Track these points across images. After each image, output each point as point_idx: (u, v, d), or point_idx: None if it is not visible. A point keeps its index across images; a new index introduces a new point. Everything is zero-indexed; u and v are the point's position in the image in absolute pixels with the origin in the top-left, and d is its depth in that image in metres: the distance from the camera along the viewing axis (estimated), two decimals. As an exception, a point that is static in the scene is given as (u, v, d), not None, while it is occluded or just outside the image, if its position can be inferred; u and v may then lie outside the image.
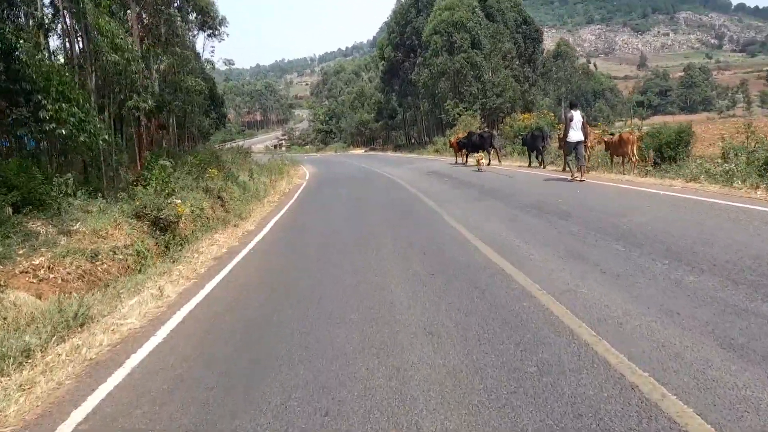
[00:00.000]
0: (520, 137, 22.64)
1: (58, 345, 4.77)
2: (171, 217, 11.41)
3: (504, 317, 4.18)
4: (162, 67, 22.21)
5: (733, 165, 12.72)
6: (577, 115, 12.98)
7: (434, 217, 9.54)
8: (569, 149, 13.24)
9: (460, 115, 40.85)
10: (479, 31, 46.72)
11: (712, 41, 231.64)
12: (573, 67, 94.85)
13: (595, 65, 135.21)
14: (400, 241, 7.70)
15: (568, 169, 14.15)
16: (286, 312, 4.96)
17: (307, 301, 5.22)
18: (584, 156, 13.13)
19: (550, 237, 6.88)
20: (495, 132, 33.42)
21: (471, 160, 21.60)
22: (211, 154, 22.44)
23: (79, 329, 5.20)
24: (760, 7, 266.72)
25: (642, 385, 2.94)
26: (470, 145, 22.14)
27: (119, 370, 4.04)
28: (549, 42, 75.43)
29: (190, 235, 11.40)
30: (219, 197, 15.97)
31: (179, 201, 12.37)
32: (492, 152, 21.18)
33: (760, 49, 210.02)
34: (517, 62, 53.58)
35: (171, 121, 24.65)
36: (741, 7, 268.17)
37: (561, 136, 14.38)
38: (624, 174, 13.89)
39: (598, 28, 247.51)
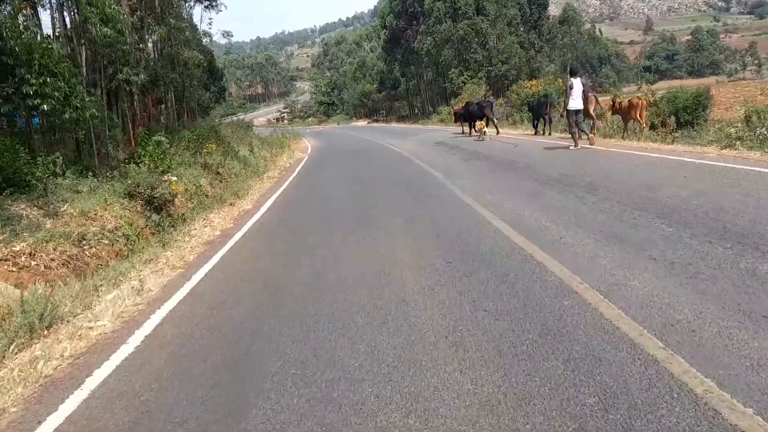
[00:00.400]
0: (527, 104, 21.92)
1: (17, 354, 4.08)
2: (166, 196, 10.73)
3: (543, 321, 3.42)
4: (154, 37, 21.19)
5: (765, 129, 11.91)
6: (577, 83, 12.42)
7: (446, 193, 8.71)
8: (572, 117, 12.61)
9: (464, 84, 39.78)
10: (483, -3, 45.17)
11: (720, 3, 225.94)
12: (579, 33, 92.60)
13: (600, 31, 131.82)
14: (411, 223, 6.92)
15: (577, 137, 13.29)
16: (280, 313, 4.22)
17: (305, 298, 4.47)
18: (584, 122, 12.72)
19: (581, 215, 6.08)
20: (502, 100, 32.67)
21: (485, 129, 20.69)
22: (209, 128, 21.60)
23: (46, 332, 4.49)
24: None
25: (749, 430, 2.18)
26: (468, 115, 21.44)
27: (76, 393, 3.33)
28: (553, 8, 73.14)
29: (187, 213, 10.74)
30: (218, 173, 15.24)
31: (175, 178, 11.68)
32: (489, 122, 20.39)
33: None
34: (523, 28, 51.96)
35: (169, 95, 23.80)
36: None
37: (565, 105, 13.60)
38: (639, 140, 13.06)
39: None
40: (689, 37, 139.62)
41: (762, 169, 7.31)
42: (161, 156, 12.32)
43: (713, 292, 3.54)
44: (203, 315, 4.45)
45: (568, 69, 15.09)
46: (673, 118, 15.10)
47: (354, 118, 79.65)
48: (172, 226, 9.72)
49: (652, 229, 5.12)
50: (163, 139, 13.03)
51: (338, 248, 6.05)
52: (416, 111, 61.25)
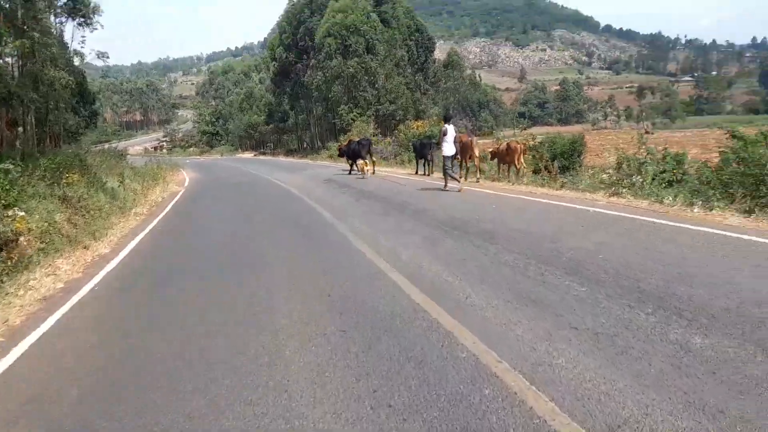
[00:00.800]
0: (411, 145, 22.37)
1: None
2: (8, 235, 8.99)
3: (464, 423, 2.70)
4: (7, 50, 18.80)
5: (640, 178, 12.51)
6: (450, 129, 12.79)
7: (338, 238, 7.90)
8: (447, 161, 12.89)
9: (354, 121, 39.87)
10: (374, 36, 45.96)
11: (584, 58, 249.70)
12: (462, 78, 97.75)
13: (479, 77, 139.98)
14: (297, 275, 6.01)
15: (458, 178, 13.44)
16: (118, 411, 3.15)
17: (154, 388, 3.43)
18: (452, 168, 13.07)
19: (484, 268, 5.56)
20: (390, 139, 32.99)
21: (367, 168, 20.42)
22: (74, 155, 19.33)
23: None
24: (624, 29, 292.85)
25: None
26: (350, 152, 21.62)
27: None
28: (438, 52, 76.45)
29: (34, 257, 9.03)
30: (77, 208, 13.38)
31: (22, 213, 9.93)
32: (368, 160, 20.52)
33: (624, 68, 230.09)
34: (410, 70, 53.48)
35: (29, 117, 21.23)
36: (608, 29, 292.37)
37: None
38: (527, 185, 13.26)
39: (483, 41, 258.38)
40: (558, 87, 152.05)
41: (655, 220, 7.31)
42: (7, 187, 10.50)
43: (652, 376, 3.03)
44: (11, 415, 3.27)
45: (443, 115, 15.45)
46: (556, 162, 15.64)
47: (239, 150, 77.31)
48: (7, 273, 8.06)
49: (563, 288, 4.67)
50: (10, 166, 11.19)
51: (207, 311, 5.00)
52: (305, 145, 60.50)
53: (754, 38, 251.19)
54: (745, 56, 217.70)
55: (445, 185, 12.94)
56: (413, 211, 9.97)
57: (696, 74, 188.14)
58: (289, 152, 60.03)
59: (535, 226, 7.64)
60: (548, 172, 15.23)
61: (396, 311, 4.42)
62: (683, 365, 3.11)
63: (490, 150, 16.84)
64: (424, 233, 7.75)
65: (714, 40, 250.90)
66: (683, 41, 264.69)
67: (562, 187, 11.79)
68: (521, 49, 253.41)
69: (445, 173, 13.03)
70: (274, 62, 57.90)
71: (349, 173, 20.86)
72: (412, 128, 30.76)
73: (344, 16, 45.26)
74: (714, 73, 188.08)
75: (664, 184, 12.20)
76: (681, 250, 5.65)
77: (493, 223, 8.06)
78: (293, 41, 53.97)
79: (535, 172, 16.16)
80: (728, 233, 6.17)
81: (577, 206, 9.05)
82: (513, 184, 13.73)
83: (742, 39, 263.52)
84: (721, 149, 12.90)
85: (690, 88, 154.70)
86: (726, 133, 13.60)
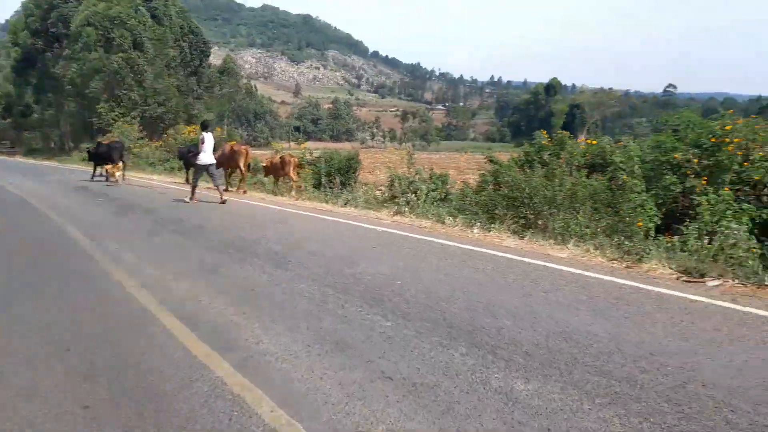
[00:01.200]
0: (178, 152, 20.90)
1: None
2: None
3: None
4: None
5: (414, 196, 13.06)
6: (209, 137, 12.31)
7: (90, 267, 6.27)
8: (200, 172, 12.58)
9: (115, 121, 35.76)
10: (142, 32, 42.02)
11: (354, 80, 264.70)
12: (238, 86, 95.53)
13: (255, 87, 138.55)
14: (22, 323, 4.40)
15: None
16: None
17: None
18: (217, 176, 12.85)
19: (276, 301, 4.80)
20: (159, 142, 30.33)
21: (118, 173, 18.03)
22: None
23: None
24: (390, 56, 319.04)
25: None
26: (97, 156, 19.31)
27: None
28: (213, 58, 73.10)
29: None
30: None
31: None
32: (121, 165, 18.61)
33: (388, 92, 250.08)
34: (183, 72, 50.18)
35: None
36: (375, 55, 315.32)
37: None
38: (310, 200, 12.92)
39: (259, 53, 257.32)
40: (330, 105, 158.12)
41: (442, 241, 7.32)
42: None
43: (487, 440, 2.63)
44: None
45: (200, 123, 14.80)
46: (339, 178, 15.68)
47: (-39, 147, 64.26)
48: None
49: (368, 325, 4.17)
50: None
51: None
52: (53, 145, 52.58)
53: (492, 77, 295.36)
54: (485, 91, 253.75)
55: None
56: (187, 229, 8.74)
57: (447, 104, 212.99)
58: (32, 152, 51.52)
59: (327, 247, 7.12)
60: (330, 188, 15.16)
61: (166, 371, 3.42)
62: (516, 422, 2.77)
63: (264, 164, 16.52)
64: (202, 257, 6.68)
65: (462, 75, 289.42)
66: (438, 73, 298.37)
67: (346, 204, 11.60)
68: (296, 64, 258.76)
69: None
70: (16, 48, 49.37)
71: (106, 180, 18.22)
72: (184, 133, 28.94)
73: (107, 6, 40.62)
74: (461, 104, 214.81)
75: (436, 203, 12.91)
76: (474, 274, 5.61)
77: (282, 243, 7.34)
78: (42, 26, 46.72)
79: (316, 186, 16.03)
80: (511, 256, 6.39)
81: (365, 225, 8.81)
82: (297, 198, 13.21)
83: (483, 76, 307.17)
84: (481, 172, 14.08)
85: (442, 116, 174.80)
86: (485, 158, 14.98)
